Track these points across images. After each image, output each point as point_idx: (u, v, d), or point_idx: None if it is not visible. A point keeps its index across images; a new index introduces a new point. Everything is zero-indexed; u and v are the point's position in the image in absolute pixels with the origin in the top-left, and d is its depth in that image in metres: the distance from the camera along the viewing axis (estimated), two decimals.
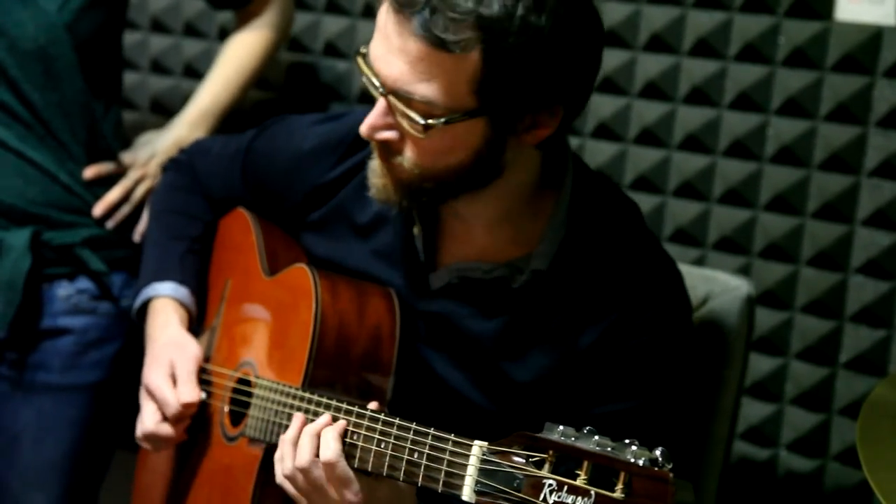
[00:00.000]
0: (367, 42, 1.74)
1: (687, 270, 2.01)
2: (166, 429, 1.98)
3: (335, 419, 1.72)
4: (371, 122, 1.74)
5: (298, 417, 1.76)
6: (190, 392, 1.98)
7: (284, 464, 1.74)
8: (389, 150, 1.75)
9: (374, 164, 1.79)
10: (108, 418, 2.41)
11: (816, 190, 2.36)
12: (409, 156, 1.74)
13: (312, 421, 1.75)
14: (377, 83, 1.72)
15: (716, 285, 2.17)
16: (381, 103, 1.73)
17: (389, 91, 1.70)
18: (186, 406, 1.97)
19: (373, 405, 1.71)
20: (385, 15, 1.70)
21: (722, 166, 2.44)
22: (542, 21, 1.66)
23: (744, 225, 2.42)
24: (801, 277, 2.38)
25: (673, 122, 2.47)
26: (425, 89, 1.67)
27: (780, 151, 2.38)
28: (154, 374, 2.00)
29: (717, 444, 2.15)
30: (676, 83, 2.46)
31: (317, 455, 1.70)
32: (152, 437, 2.00)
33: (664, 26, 2.46)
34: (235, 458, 1.95)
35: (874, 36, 2.29)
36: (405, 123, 1.71)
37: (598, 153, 2.53)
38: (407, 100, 1.69)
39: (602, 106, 2.52)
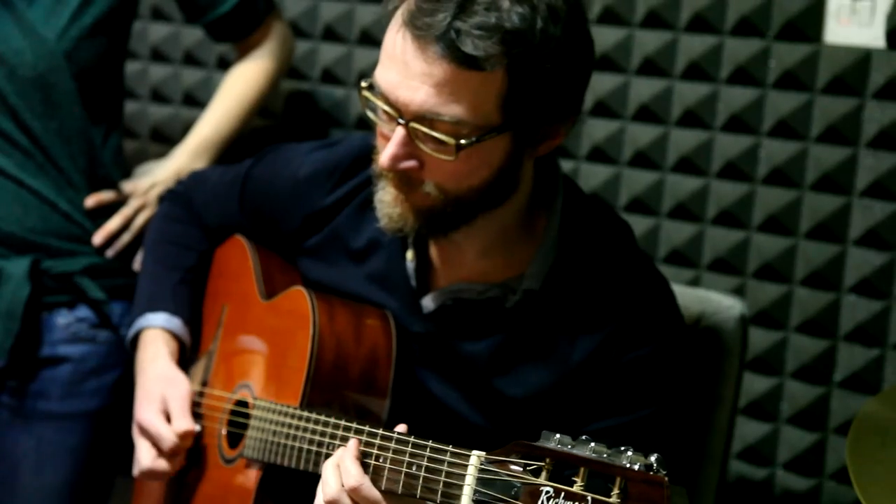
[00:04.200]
0: (365, 72, 1.72)
1: (681, 291, 2.02)
2: (162, 464, 1.99)
3: (344, 439, 1.72)
4: (392, 152, 1.70)
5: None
6: (185, 424, 1.99)
7: None
8: (409, 180, 1.74)
9: (386, 196, 1.77)
10: (108, 446, 2.41)
11: (809, 210, 2.37)
12: (432, 181, 1.73)
13: (312, 441, 1.76)
14: (393, 112, 1.70)
15: (710, 306, 2.18)
16: (399, 133, 1.70)
17: (411, 118, 1.68)
18: (183, 438, 1.98)
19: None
20: (400, 41, 1.68)
21: (715, 188, 2.46)
22: (558, 31, 1.68)
23: (737, 246, 2.44)
24: (795, 297, 2.40)
25: (666, 144, 2.49)
26: (454, 110, 1.67)
27: (772, 173, 2.40)
28: (146, 410, 2.01)
29: (712, 463, 2.16)
30: (669, 106, 2.48)
31: (341, 484, 1.69)
32: (150, 474, 2.01)
33: (656, 50, 2.48)
34: (233, 480, 1.96)
35: (863, 58, 2.31)
36: (429, 148, 1.69)
37: (592, 176, 2.55)
38: (432, 123, 1.67)
39: (596, 129, 2.54)
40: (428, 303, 1.90)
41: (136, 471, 2.03)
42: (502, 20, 1.64)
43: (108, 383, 2.39)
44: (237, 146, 2.57)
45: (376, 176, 1.80)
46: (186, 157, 2.49)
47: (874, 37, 2.30)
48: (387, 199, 1.77)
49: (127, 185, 2.44)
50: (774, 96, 2.39)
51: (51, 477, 2.36)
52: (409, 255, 1.90)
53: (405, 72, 1.68)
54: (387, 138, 1.74)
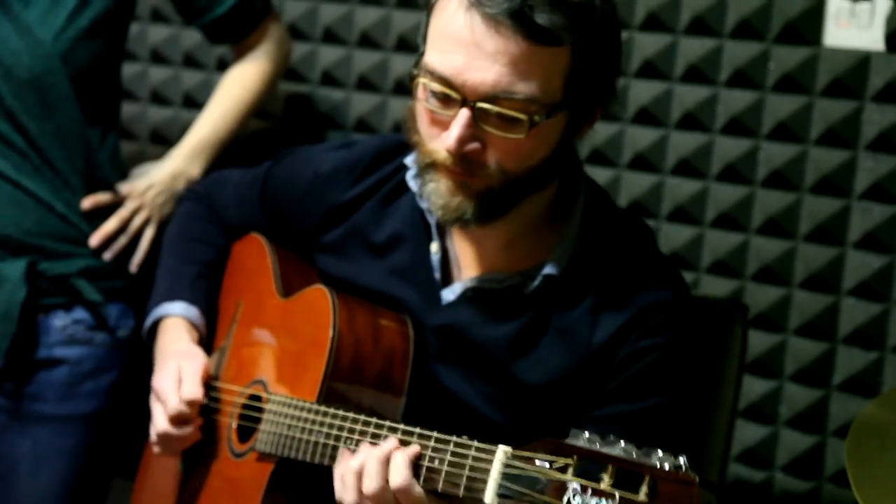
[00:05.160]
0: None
1: None
2: (173, 429, 2.00)
3: (363, 433, 1.73)
4: (458, 134, 1.71)
5: (366, 445, 1.73)
6: (192, 390, 1.99)
7: (347, 495, 1.71)
8: (470, 163, 1.74)
9: (441, 186, 1.77)
10: (105, 448, 2.41)
11: (808, 213, 2.38)
12: (495, 162, 1.73)
13: (329, 436, 1.77)
14: (456, 95, 1.71)
15: (709, 308, 2.19)
16: (464, 115, 1.70)
17: (480, 98, 1.69)
18: (190, 405, 1.99)
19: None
20: (469, 22, 1.68)
21: (714, 190, 2.45)
22: (609, 6, 1.73)
23: (737, 248, 2.44)
24: (794, 300, 2.40)
25: (665, 147, 2.49)
26: (527, 87, 1.69)
27: (771, 175, 2.40)
28: (161, 378, 2.03)
29: (711, 466, 2.16)
30: (669, 109, 2.48)
31: (386, 481, 1.68)
32: (165, 437, 2.01)
33: (656, 53, 2.48)
34: (243, 474, 1.96)
35: (862, 61, 2.31)
36: (495, 128, 1.71)
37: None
38: (501, 102, 1.69)
39: (595, 132, 2.49)
40: (448, 294, 1.91)
41: (152, 435, 2.03)
42: None
43: (105, 385, 2.39)
44: (235, 148, 2.57)
45: (424, 167, 1.79)
46: (183, 159, 2.49)
47: (873, 40, 2.30)
48: (441, 190, 1.77)
49: (124, 187, 2.44)
50: (774, 99, 2.39)
51: (47, 479, 2.35)
52: (434, 247, 1.91)
53: (476, 53, 1.69)
54: (441, 124, 1.74)
